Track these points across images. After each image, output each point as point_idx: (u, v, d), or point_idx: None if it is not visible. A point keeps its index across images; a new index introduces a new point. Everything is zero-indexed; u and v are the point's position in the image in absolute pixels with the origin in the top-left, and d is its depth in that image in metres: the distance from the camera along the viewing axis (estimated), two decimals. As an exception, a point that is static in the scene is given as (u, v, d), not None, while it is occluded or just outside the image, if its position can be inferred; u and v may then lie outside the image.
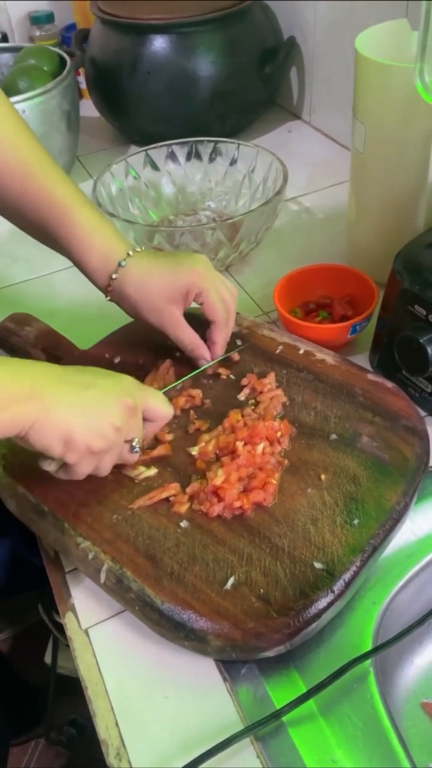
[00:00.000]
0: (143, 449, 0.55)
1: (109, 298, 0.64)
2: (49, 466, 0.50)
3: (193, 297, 0.61)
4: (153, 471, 0.56)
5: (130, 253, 0.62)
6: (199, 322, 0.63)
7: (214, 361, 0.64)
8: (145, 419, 0.52)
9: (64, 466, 0.49)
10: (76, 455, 0.47)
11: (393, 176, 0.71)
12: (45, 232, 0.63)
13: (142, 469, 0.56)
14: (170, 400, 0.59)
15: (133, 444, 0.52)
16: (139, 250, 0.62)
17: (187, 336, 0.62)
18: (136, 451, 0.52)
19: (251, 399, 0.61)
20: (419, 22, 0.54)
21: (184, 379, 0.62)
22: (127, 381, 0.52)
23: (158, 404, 0.53)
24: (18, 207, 0.63)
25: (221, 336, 0.63)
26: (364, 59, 0.66)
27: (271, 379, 0.62)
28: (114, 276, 0.61)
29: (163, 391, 0.58)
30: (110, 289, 0.62)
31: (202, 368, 0.63)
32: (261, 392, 0.61)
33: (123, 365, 0.66)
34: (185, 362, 0.65)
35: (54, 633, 0.95)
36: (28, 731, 1.20)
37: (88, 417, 0.47)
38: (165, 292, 0.61)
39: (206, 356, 0.63)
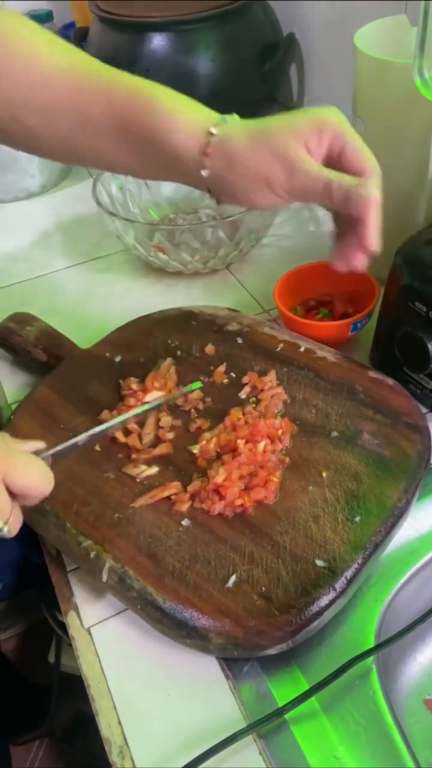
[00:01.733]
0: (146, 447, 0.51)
1: (205, 172, 0.48)
2: None
3: (328, 141, 0.46)
4: (154, 469, 0.56)
5: (226, 118, 0.48)
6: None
7: (182, 392, 0.58)
8: (12, 494, 0.41)
9: None
10: None
11: (393, 172, 0.71)
12: (121, 126, 0.50)
13: (143, 467, 0.56)
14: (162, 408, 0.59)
15: (0, 526, 0.40)
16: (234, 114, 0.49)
17: (318, 173, 0.46)
18: (5, 533, 0.40)
19: (252, 397, 0.61)
20: (418, 18, 0.54)
21: (146, 407, 0.55)
22: None
23: (28, 476, 0.41)
24: (86, 114, 0.50)
25: (374, 207, 0.46)
26: (364, 56, 0.66)
27: (271, 377, 0.62)
28: (214, 130, 0.47)
29: (121, 418, 0.51)
30: (209, 153, 0.47)
31: (172, 397, 0.58)
32: (262, 390, 0.61)
33: (123, 364, 0.66)
34: (186, 361, 0.65)
35: (57, 632, 0.95)
36: (32, 730, 1.20)
37: None
38: (291, 131, 0.46)
39: (366, 238, 0.47)
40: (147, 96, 0.49)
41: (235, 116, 0.49)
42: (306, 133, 0.46)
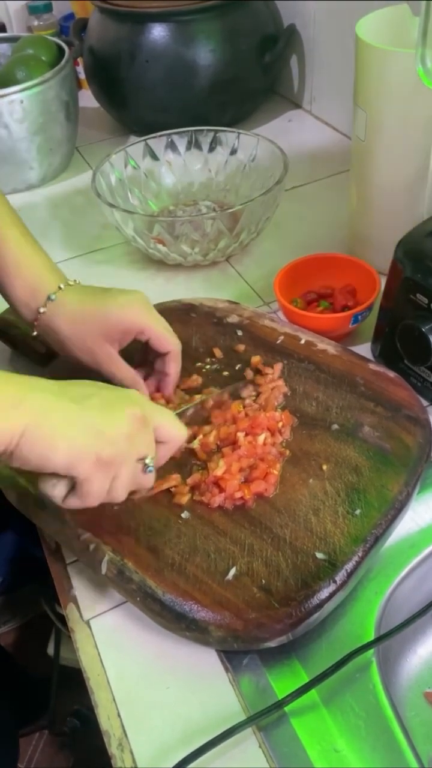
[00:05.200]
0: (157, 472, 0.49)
1: (35, 333, 0.59)
2: (54, 489, 0.42)
3: (133, 336, 0.57)
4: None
5: (62, 286, 0.58)
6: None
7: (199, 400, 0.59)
8: (156, 441, 0.46)
9: (72, 487, 0.42)
10: (83, 467, 0.41)
11: (394, 163, 0.71)
12: None
13: None
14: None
15: (147, 462, 0.45)
16: (71, 283, 0.58)
17: (124, 374, 0.58)
18: (151, 471, 0.46)
19: (252, 395, 0.61)
20: (420, 7, 0.53)
21: (192, 405, 0.58)
22: (136, 393, 0.47)
23: (171, 423, 0.47)
24: None
25: (175, 367, 0.59)
26: (365, 45, 0.65)
27: (276, 370, 0.62)
28: (42, 310, 0.57)
29: (176, 413, 0.54)
30: (37, 324, 0.58)
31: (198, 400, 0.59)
32: (263, 374, 0.61)
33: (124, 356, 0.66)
34: (186, 354, 0.65)
35: (56, 624, 0.96)
36: (32, 723, 1.20)
37: (91, 422, 0.41)
38: (100, 330, 0.56)
39: (145, 393, 0.58)
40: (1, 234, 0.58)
41: (70, 287, 0.58)
42: (114, 335, 0.56)
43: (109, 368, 0.58)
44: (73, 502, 0.43)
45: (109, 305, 0.56)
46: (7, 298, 0.60)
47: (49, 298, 0.57)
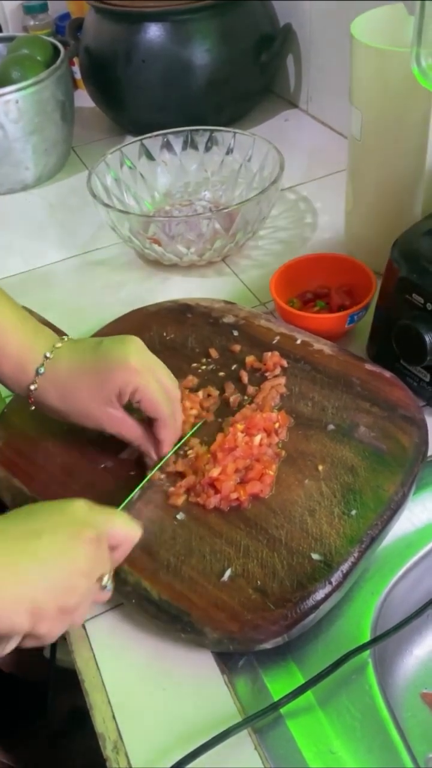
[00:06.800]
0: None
1: (32, 408, 0.55)
2: (6, 646, 0.40)
3: (128, 396, 0.52)
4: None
5: (48, 355, 0.53)
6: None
7: (163, 459, 0.55)
8: (109, 546, 0.44)
9: (29, 635, 0.40)
10: (47, 624, 0.39)
11: (390, 163, 0.71)
12: None
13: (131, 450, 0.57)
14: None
15: (104, 583, 0.43)
16: (58, 345, 0.54)
17: (132, 434, 0.54)
18: (108, 590, 0.44)
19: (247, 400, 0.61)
20: (415, 6, 0.53)
21: (136, 490, 0.53)
22: (79, 508, 0.42)
23: (121, 526, 0.45)
24: None
25: (168, 433, 0.54)
26: (361, 44, 0.65)
27: (274, 363, 0.62)
28: (33, 387, 0.53)
29: (121, 507, 0.51)
30: (31, 401, 0.54)
31: (152, 472, 0.55)
32: (265, 364, 0.62)
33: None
34: (181, 354, 0.65)
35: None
36: (27, 725, 1.20)
37: (50, 575, 0.39)
38: (95, 397, 0.52)
39: (152, 455, 0.55)
40: None
41: (58, 350, 0.53)
42: (110, 398, 0.52)
43: (114, 430, 0.54)
44: (32, 643, 0.41)
45: (100, 367, 0.52)
46: None
47: (37, 373, 0.53)
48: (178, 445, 0.56)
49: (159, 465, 0.55)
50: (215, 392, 0.61)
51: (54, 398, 0.53)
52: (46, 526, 0.40)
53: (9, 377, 0.54)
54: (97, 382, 0.52)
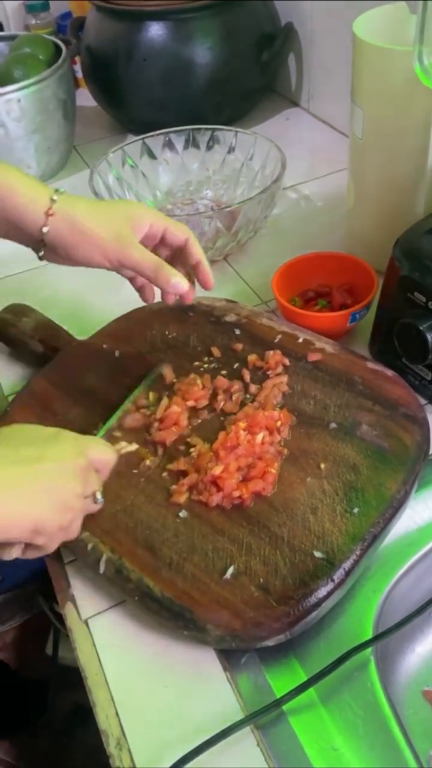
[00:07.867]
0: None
1: (46, 229, 0.54)
2: (11, 553, 0.45)
3: (147, 229, 0.55)
4: (134, 446, 0.57)
5: (54, 197, 0.54)
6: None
7: (136, 390, 0.59)
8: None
9: (30, 546, 0.46)
10: (46, 537, 0.45)
11: (392, 162, 0.71)
12: None
13: (122, 443, 0.57)
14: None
15: (97, 497, 0.50)
16: (61, 190, 0.55)
17: (150, 259, 0.55)
18: (101, 501, 0.51)
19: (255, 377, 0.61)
20: (417, 5, 0.53)
21: (114, 416, 0.58)
22: (68, 438, 0.48)
23: (101, 452, 0.50)
24: None
25: (200, 251, 0.58)
26: (362, 43, 0.65)
27: (275, 361, 0.62)
28: (45, 229, 0.54)
29: (101, 434, 0.57)
30: (51, 215, 0.54)
31: (126, 402, 0.59)
32: (267, 362, 0.62)
33: (122, 356, 0.66)
34: (183, 352, 0.65)
35: (55, 624, 0.95)
36: (30, 722, 1.20)
37: (53, 498, 0.44)
38: (125, 216, 0.55)
39: (178, 280, 0.55)
40: None
41: (66, 197, 0.55)
42: (136, 221, 0.55)
43: (134, 254, 0.55)
44: (33, 554, 0.46)
45: (119, 206, 0.57)
46: (8, 207, 0.54)
47: (56, 192, 0.54)
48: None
49: (131, 397, 0.59)
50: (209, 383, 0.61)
51: (67, 235, 0.54)
52: (47, 454, 0.45)
53: (27, 203, 0.54)
54: (126, 206, 0.56)
